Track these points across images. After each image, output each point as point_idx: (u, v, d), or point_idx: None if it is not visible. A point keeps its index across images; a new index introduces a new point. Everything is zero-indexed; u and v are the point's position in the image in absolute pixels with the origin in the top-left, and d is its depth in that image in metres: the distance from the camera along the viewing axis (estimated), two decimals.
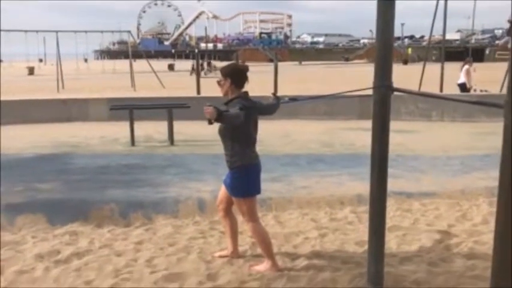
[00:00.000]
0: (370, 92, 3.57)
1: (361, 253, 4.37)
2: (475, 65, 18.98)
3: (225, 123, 3.55)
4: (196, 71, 15.52)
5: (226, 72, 3.87)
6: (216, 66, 41.02)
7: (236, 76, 3.85)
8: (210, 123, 3.43)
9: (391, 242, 4.56)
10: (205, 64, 42.98)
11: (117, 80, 30.84)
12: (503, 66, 24.22)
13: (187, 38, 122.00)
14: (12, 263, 4.13)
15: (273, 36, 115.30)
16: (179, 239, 4.69)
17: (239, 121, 3.62)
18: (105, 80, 31.67)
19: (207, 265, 4.09)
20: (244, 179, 3.88)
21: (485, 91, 15.47)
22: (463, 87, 14.93)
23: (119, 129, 10.18)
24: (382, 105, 3.50)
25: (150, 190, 5.95)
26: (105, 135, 9.86)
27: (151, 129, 10.18)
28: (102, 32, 29.41)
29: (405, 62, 67.75)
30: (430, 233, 4.87)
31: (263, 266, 3.99)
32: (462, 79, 15.03)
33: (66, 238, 4.71)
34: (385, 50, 3.44)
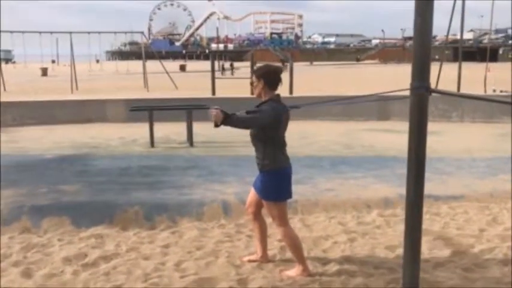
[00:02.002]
0: (400, 92, 3.47)
1: (393, 258, 4.29)
2: (490, 65, 18.71)
3: (232, 126, 3.53)
4: (212, 71, 15.46)
5: (259, 74, 3.80)
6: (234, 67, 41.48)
7: (270, 78, 3.78)
8: (216, 126, 3.43)
9: (423, 247, 4.39)
10: (227, 65, 43.35)
11: (129, 81, 30.99)
12: None
13: (198, 39, 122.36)
14: (41, 266, 4.10)
15: (284, 37, 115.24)
16: (206, 242, 4.63)
17: (253, 125, 3.61)
18: (118, 81, 31.84)
19: (237, 270, 4.02)
20: (276, 183, 3.80)
21: (506, 91, 15.24)
22: None
23: (137, 131, 10.17)
24: (420, 107, 3.41)
25: (173, 192, 5.90)
26: (124, 136, 9.85)
27: (169, 131, 10.15)
28: (115, 33, 29.52)
29: None
30: (461, 237, 4.76)
31: (294, 271, 3.92)
32: None
33: (92, 241, 4.67)
34: (423, 49, 3.34)
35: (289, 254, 4.28)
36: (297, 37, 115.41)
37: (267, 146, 3.77)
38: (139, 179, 6.52)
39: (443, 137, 10.31)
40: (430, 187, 6.21)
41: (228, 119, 3.43)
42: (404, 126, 11.75)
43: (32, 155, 8.16)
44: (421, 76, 3.39)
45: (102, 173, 6.86)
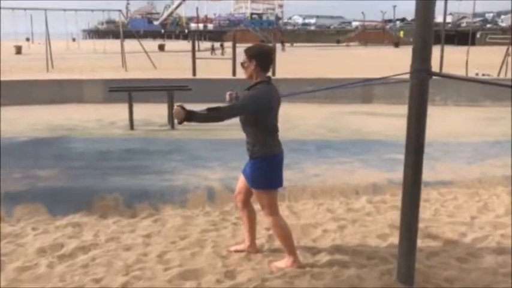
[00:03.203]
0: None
1: (385, 247, 4.15)
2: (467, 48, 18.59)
3: (198, 122, 3.35)
4: (192, 51, 15.07)
5: (251, 54, 3.55)
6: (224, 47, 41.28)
7: (262, 58, 3.54)
8: (180, 123, 3.23)
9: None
10: (217, 45, 43.02)
11: (106, 60, 30.26)
12: (495, 50, 24.10)
13: (177, 18, 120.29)
14: (13, 258, 3.84)
15: (264, 18, 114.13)
16: (190, 231, 4.41)
17: (221, 118, 3.34)
18: (95, 60, 31.06)
19: (224, 261, 3.82)
20: (266, 170, 3.59)
21: (488, 75, 15.26)
22: None
23: (116, 112, 9.82)
24: (420, 90, 3.24)
25: (155, 178, 5.64)
26: (102, 118, 9.49)
27: (150, 112, 9.81)
28: (92, 10, 28.66)
29: (396, 45, 67.55)
30: (453, 225, 4.65)
31: (284, 263, 3.74)
32: None
33: (69, 230, 4.41)
34: (424, 31, 3.16)
35: (277, 243, 4.09)
36: (278, 18, 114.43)
37: (257, 132, 3.54)
38: (118, 164, 6.23)
39: (427, 120, 10.22)
40: None
41: (190, 116, 3.20)
42: (387, 109, 11.77)
43: (5, 137, 7.77)
44: (422, 58, 3.21)
45: (80, 157, 6.54)
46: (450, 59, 16.19)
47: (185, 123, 3.29)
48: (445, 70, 16.13)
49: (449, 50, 16.26)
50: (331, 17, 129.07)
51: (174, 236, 4.29)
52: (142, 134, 8.19)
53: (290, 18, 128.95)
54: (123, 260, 3.81)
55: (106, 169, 5.94)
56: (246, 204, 3.92)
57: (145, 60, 24.30)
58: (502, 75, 15.12)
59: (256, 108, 3.42)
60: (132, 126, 8.41)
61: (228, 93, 3.56)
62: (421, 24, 3.14)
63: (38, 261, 3.77)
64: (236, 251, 3.98)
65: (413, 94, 3.26)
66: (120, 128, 8.67)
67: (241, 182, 3.87)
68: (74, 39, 58.56)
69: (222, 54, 37.43)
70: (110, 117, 9.56)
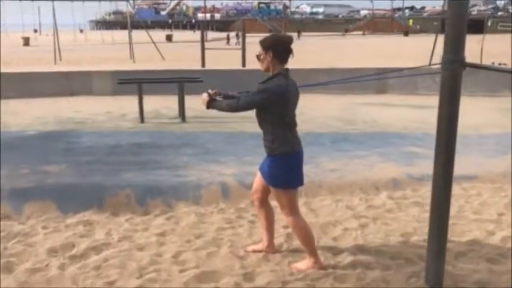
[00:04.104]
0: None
1: (409, 247, 3.97)
2: (479, 37, 18.11)
3: (218, 110, 3.50)
4: (202, 42, 14.85)
5: (267, 45, 3.35)
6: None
7: (279, 49, 3.33)
8: (207, 108, 3.50)
9: None
10: (233, 34, 42.61)
11: (114, 51, 30.10)
12: (507, 37, 23.54)
13: (184, 8, 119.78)
14: (23, 258, 3.70)
15: (272, 7, 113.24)
16: (205, 229, 4.25)
17: (242, 107, 3.36)
18: (103, 52, 30.90)
19: (241, 262, 3.66)
20: (286, 168, 3.40)
21: (505, 64, 14.89)
22: None
23: (125, 104, 9.66)
24: (453, 82, 3.01)
25: (168, 173, 5.47)
26: (111, 111, 9.32)
27: (159, 104, 9.65)
28: (100, 1, 28.49)
29: (406, 34, 66.77)
30: (480, 222, 4.45)
31: (305, 264, 3.56)
32: None
33: (80, 229, 4.26)
34: (458, 20, 2.93)
35: (297, 243, 3.92)
36: (285, 7, 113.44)
37: (275, 127, 3.35)
38: (130, 158, 6.06)
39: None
40: None
41: (212, 103, 3.43)
42: (401, 99, 11.46)
43: (12, 131, 7.63)
44: (455, 48, 2.98)
45: (89, 152, 6.38)
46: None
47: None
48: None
49: None
50: (339, 6, 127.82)
51: (188, 235, 4.13)
52: (152, 127, 8.01)
53: (298, 7, 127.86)
54: (137, 261, 3.66)
55: (116, 164, 5.78)
56: (264, 203, 3.74)
57: (153, 51, 24.09)
58: None
59: (270, 102, 3.24)
60: (142, 119, 8.24)
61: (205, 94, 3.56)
62: (455, 11, 2.91)
63: (49, 262, 3.63)
64: (254, 251, 3.81)
65: (445, 87, 3.04)
66: (130, 121, 8.50)
67: (258, 180, 3.69)
68: (81, 31, 58.44)
69: (237, 44, 37.14)
70: (119, 109, 9.39)
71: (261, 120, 3.39)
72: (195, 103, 9.19)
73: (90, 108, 9.73)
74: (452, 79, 3.03)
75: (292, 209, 3.51)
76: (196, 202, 4.84)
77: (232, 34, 43.05)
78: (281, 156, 3.38)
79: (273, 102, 3.24)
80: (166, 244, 3.96)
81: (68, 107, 9.84)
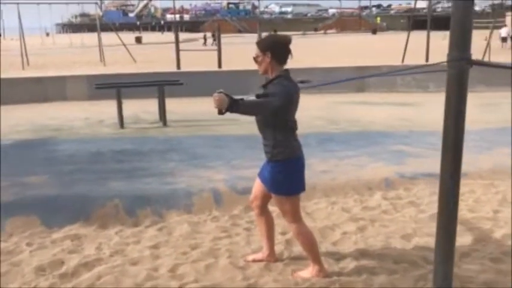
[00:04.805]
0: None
1: (412, 249, 3.90)
2: (444, 33, 18.12)
3: (241, 113, 2.93)
4: (176, 43, 14.59)
5: (265, 46, 3.21)
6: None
7: (278, 50, 3.20)
8: (221, 113, 2.84)
9: None
10: (209, 34, 42.13)
11: (83, 55, 29.45)
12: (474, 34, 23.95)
13: (152, 10, 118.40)
14: (9, 279, 3.45)
15: (241, 7, 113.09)
16: (201, 239, 4.08)
17: (265, 111, 3.07)
18: (71, 55, 30.20)
19: (243, 273, 3.50)
20: (289, 174, 3.28)
21: (477, 59, 15.13)
22: None
23: (102, 109, 9.37)
24: (459, 81, 2.93)
25: (155, 181, 5.27)
26: (89, 117, 9.00)
27: (138, 109, 9.37)
28: (67, 3, 27.77)
29: (374, 32, 67.56)
30: (478, 220, 4.42)
31: (309, 272, 3.44)
32: None
33: (67, 244, 4.03)
34: (463, 16, 2.85)
35: (297, 249, 3.81)
36: (254, 7, 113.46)
37: (277, 132, 3.22)
38: (113, 166, 5.82)
39: (423, 108, 10.03)
40: (428, 164, 5.88)
41: (234, 105, 2.83)
42: (380, 98, 11.45)
43: None
44: (461, 46, 2.89)
45: (71, 161, 6.10)
46: (423, 45, 15.97)
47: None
48: (430, 57, 16.02)
49: (425, 35, 16.03)
50: (308, 5, 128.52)
51: (184, 246, 3.95)
52: (134, 133, 7.75)
53: (267, 7, 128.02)
54: (132, 277, 3.46)
55: (100, 173, 5.54)
56: (264, 210, 3.60)
57: (123, 53, 23.63)
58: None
59: (284, 105, 3.09)
60: (122, 125, 7.98)
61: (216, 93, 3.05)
62: (460, 9, 2.84)
63: (38, 283, 3.40)
64: (254, 261, 3.66)
65: (451, 85, 2.95)
66: (109, 126, 8.22)
67: (257, 186, 3.54)
68: (47, 34, 57.00)
69: (213, 44, 36.76)
70: (97, 115, 9.08)
71: (263, 124, 3.25)
72: (175, 106, 9.08)
73: (66, 114, 9.38)
74: (459, 77, 2.94)
75: (295, 216, 3.38)
76: (188, 210, 4.66)
77: (209, 35, 42.77)
78: (283, 162, 3.25)
79: (284, 106, 3.10)
80: (161, 257, 3.77)
81: (42, 114, 9.45)
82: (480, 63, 3.03)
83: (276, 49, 3.21)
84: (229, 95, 2.85)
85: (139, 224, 4.42)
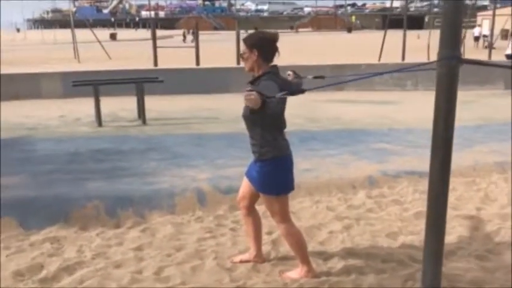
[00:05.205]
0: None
1: (398, 248, 3.90)
2: (418, 32, 18.28)
3: (268, 111, 2.80)
4: (153, 40, 14.36)
5: (252, 43, 3.15)
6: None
7: (265, 47, 3.15)
8: (253, 112, 2.72)
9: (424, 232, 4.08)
10: (187, 31, 41.68)
11: (56, 51, 28.85)
12: None
13: (127, 6, 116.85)
14: None
15: (217, 4, 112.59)
16: (185, 241, 3.99)
17: (280, 107, 3.00)
18: (44, 52, 29.55)
19: (230, 274, 3.44)
20: (277, 174, 3.23)
21: None
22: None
23: (78, 107, 9.16)
24: (450, 79, 2.92)
25: (137, 181, 5.14)
26: (65, 115, 8.77)
27: (115, 106, 9.19)
28: None
29: (349, 30, 68.11)
30: (461, 219, 4.45)
31: (298, 273, 3.40)
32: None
33: (47, 247, 3.89)
34: (454, 15, 2.83)
35: (283, 249, 3.78)
36: (230, 4, 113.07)
37: (265, 130, 3.17)
38: (92, 166, 5.67)
39: (402, 106, 10.12)
40: (410, 162, 5.92)
41: (266, 104, 2.68)
42: (358, 96, 11.50)
43: None
44: (451, 44, 2.87)
45: (48, 160, 5.90)
46: (400, 43, 16.09)
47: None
48: (406, 56, 16.13)
49: (399, 34, 16.18)
50: (283, 3, 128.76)
51: (168, 248, 3.86)
52: (112, 131, 7.58)
53: (243, 4, 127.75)
54: (116, 280, 3.36)
55: (79, 173, 5.38)
56: (251, 210, 3.55)
57: (98, 50, 23.19)
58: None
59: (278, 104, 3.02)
60: (100, 123, 7.79)
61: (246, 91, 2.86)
62: (451, 7, 2.82)
63: None
64: (241, 262, 3.61)
65: (441, 84, 2.93)
66: (86, 125, 8.02)
67: (245, 186, 3.48)
68: (18, 30, 55.71)
69: (193, 41, 36.42)
70: (73, 113, 8.86)
71: (251, 123, 3.18)
72: (153, 104, 8.93)
73: (41, 112, 9.12)
74: (449, 76, 2.93)
75: (284, 216, 3.34)
76: (171, 211, 4.56)
77: (189, 32, 42.48)
78: (271, 161, 3.20)
79: (278, 103, 3.03)
80: (146, 259, 3.68)
81: (16, 112, 9.16)
82: (471, 62, 3.02)
83: (263, 46, 3.16)
84: (259, 92, 2.71)
85: (121, 226, 4.30)
